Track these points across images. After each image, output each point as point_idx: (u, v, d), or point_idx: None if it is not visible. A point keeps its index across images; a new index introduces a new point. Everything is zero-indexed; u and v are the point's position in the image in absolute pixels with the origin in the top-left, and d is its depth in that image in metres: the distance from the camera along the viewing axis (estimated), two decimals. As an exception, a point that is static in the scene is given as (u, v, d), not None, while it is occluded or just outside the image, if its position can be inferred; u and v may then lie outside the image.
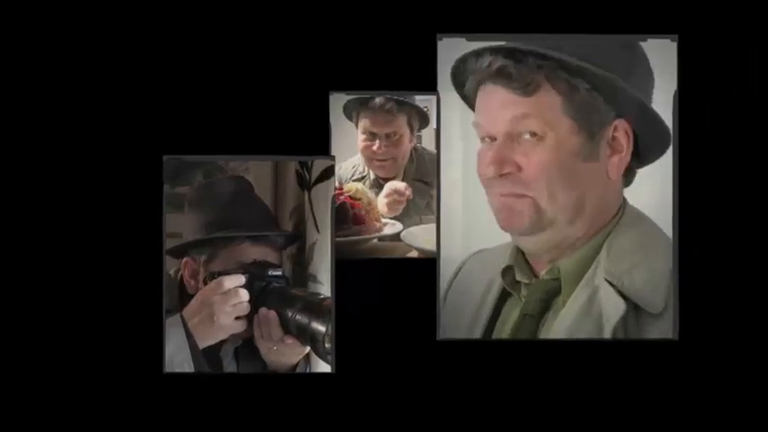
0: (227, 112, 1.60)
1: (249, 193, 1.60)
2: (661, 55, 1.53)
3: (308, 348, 1.52)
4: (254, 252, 1.57)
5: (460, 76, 1.53)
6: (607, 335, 1.45)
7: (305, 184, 1.59)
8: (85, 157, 1.59)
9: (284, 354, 1.52)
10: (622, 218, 1.48)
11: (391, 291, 1.59)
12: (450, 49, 1.54)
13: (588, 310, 1.45)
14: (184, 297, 1.56)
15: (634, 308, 1.45)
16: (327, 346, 1.47)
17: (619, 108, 1.46)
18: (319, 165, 1.59)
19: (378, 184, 1.67)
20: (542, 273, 1.50)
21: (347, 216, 1.62)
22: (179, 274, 1.58)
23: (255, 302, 1.53)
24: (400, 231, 1.64)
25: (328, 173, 1.59)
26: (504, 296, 1.54)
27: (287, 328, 1.50)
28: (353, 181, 1.66)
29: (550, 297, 1.49)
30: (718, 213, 1.58)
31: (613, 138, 1.46)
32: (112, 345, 1.59)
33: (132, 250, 1.59)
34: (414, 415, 1.60)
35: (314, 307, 1.49)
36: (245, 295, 1.52)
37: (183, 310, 1.54)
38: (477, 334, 1.55)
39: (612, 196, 1.48)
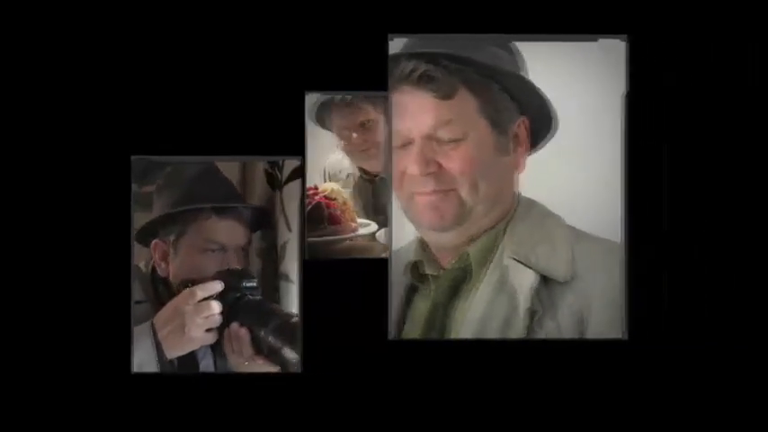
0: (200, 112, 1.57)
1: (216, 173, 1.58)
2: (612, 55, 1.57)
3: (279, 368, 1.51)
4: (223, 228, 1.56)
5: None
6: (522, 308, 1.52)
7: (276, 184, 1.57)
8: (52, 158, 1.56)
9: (254, 369, 1.52)
10: (518, 206, 1.55)
11: (367, 290, 1.58)
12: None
13: (501, 288, 1.52)
14: (157, 284, 1.56)
15: (543, 279, 1.52)
16: (299, 372, 1.46)
17: (521, 105, 1.52)
18: (290, 164, 1.57)
19: (364, 181, 1.63)
20: (451, 262, 1.55)
21: (322, 216, 1.60)
22: (151, 263, 1.57)
23: (228, 313, 1.52)
24: (375, 231, 1.62)
25: (299, 172, 1.57)
26: (412, 291, 1.58)
27: (258, 347, 1.49)
28: (338, 181, 1.63)
29: (458, 284, 1.55)
30: (667, 214, 1.59)
31: (515, 134, 1.52)
32: (80, 344, 1.57)
33: (100, 249, 1.57)
34: (387, 415, 1.60)
35: (287, 330, 1.48)
36: (216, 307, 1.51)
37: (155, 316, 1.53)
38: (392, 334, 1.57)
39: (514, 187, 1.55)
